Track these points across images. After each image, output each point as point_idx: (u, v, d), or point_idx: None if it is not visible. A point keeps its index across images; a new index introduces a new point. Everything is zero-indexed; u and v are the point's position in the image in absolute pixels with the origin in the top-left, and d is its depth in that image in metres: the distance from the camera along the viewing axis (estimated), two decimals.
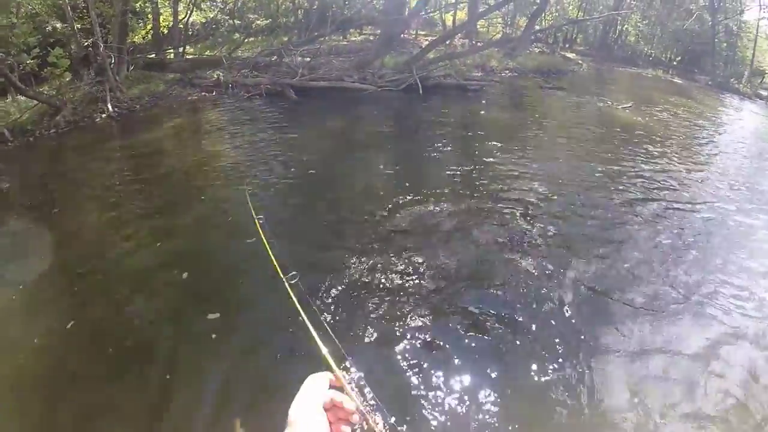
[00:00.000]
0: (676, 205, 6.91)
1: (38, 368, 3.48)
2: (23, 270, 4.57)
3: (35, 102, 9.68)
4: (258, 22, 15.82)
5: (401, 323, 3.79)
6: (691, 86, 25.11)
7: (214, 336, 3.62)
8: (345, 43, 15.85)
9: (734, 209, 7.15)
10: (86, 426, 3.06)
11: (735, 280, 4.90)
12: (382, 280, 4.32)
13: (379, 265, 4.54)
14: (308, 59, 12.63)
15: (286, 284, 1.71)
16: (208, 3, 17.07)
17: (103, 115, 9.52)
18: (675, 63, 30.26)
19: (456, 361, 3.45)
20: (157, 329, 3.79)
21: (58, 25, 11.10)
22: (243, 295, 4.15)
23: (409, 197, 6.02)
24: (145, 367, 3.42)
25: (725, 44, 31.59)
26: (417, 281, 4.34)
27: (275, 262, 2.27)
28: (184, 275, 4.39)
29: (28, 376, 3.42)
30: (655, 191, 7.45)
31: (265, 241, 2.60)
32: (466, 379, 3.30)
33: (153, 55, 13.17)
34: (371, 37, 16.07)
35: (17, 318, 4.01)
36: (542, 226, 5.63)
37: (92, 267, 4.65)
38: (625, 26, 28.55)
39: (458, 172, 7.14)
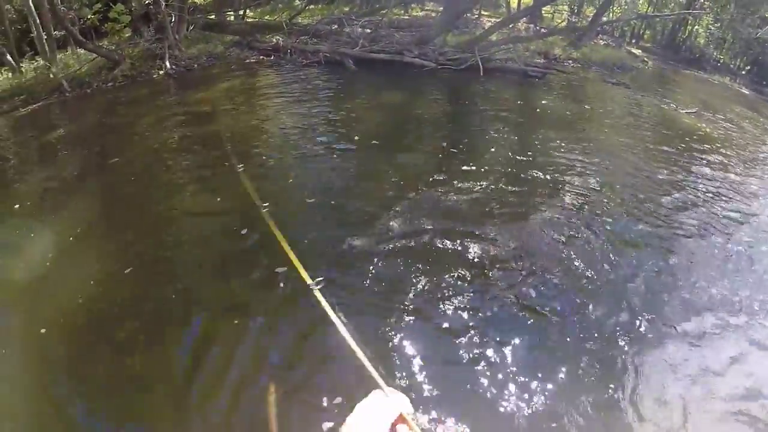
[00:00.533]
0: (728, 216, 6.47)
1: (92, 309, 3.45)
2: (80, 214, 4.57)
3: (94, 55, 9.72)
4: None
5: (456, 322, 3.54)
6: (758, 99, 23.68)
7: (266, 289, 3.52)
8: (406, 17, 15.43)
9: None
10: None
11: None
12: (432, 265, 4.06)
13: (429, 247, 4.32)
14: (369, 31, 12.30)
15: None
16: None
17: (161, 72, 9.48)
18: (744, 72, 28.71)
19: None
20: (203, 281, 3.76)
21: None
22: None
23: (460, 179, 5.74)
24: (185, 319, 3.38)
25: None
26: (467, 269, 4.06)
27: None
28: (244, 231, 4.30)
29: (81, 316, 3.40)
30: (710, 200, 6.98)
31: None
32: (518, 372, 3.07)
33: (213, 16, 13.07)
34: (433, 14, 15.60)
35: (76, 259, 3.98)
36: (591, 219, 5.33)
37: (142, 215, 4.64)
38: (696, 27, 27.18)
39: (513, 159, 6.78)
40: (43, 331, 3.24)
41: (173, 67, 9.65)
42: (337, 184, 5.47)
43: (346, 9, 14.80)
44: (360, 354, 2.02)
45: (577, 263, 4.40)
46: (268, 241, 3.93)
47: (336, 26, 12.17)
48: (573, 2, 21.34)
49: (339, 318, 2.76)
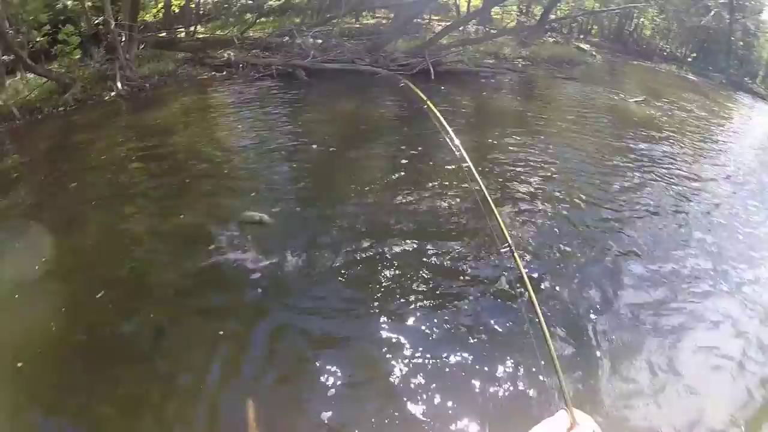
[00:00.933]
0: (678, 194, 7.12)
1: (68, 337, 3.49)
2: (43, 241, 4.55)
3: (44, 79, 9.60)
4: (270, 2, 15.63)
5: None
6: (704, 84, 24.71)
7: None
8: (358, 25, 15.65)
9: (736, 201, 7.45)
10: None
11: (736, 264, 5.19)
12: (378, 270, 4.30)
13: (380, 254, 4.53)
14: (320, 41, 12.47)
15: None
16: None
17: (113, 94, 9.43)
18: (690, 59, 29.76)
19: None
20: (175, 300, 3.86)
21: (69, 3, 10.97)
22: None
23: (415, 184, 6.01)
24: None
25: (741, 43, 31.07)
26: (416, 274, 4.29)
27: None
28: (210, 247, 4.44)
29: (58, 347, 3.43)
30: (660, 180, 7.59)
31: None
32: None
33: (164, 34, 13.04)
34: (384, 21, 15.84)
35: (45, 288, 3.98)
36: (551, 209, 5.71)
37: (107, 239, 4.71)
38: (642, 19, 28.12)
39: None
40: (20, 365, 3.20)
41: (125, 87, 9.61)
42: (300, 194, 5.69)
43: (297, 20, 14.91)
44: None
45: (541, 250, 4.82)
46: (238, 256, 4.12)
47: (287, 38, 12.26)
48: (521, 2, 21.82)
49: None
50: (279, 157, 6.72)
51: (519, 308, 3.68)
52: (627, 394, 3.23)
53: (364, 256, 4.43)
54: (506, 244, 2.32)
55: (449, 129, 3.29)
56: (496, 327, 3.67)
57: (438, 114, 3.49)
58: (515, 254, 2.27)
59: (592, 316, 3.93)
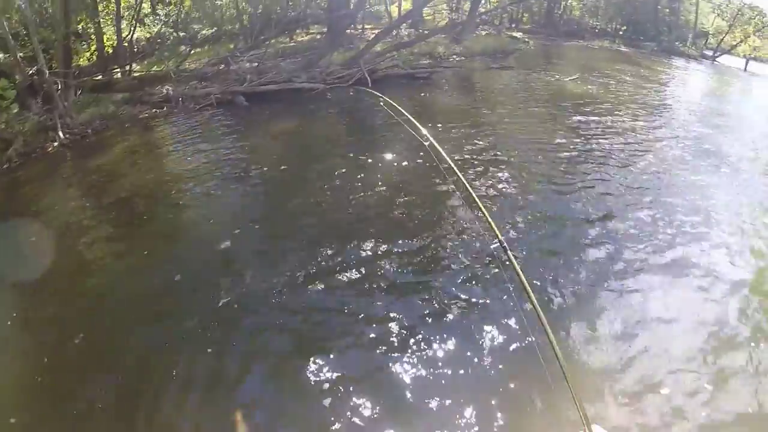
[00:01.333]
0: (622, 160, 7.95)
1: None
2: (6, 300, 4.66)
3: None
4: (203, 32, 15.78)
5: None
6: (637, 54, 25.91)
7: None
8: (292, 44, 15.93)
9: (681, 157, 8.52)
10: None
11: (683, 217, 6.02)
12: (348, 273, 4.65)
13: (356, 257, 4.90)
14: (256, 64, 12.72)
15: None
16: (152, 17, 16.97)
17: (55, 144, 9.43)
18: (621, 33, 30.99)
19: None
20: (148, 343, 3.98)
21: (0, 56, 10.94)
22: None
23: (367, 191, 6.39)
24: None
25: (668, 10, 32.47)
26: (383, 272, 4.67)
27: None
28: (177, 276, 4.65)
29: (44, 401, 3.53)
30: (606, 150, 8.50)
31: None
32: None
33: (100, 77, 13.04)
34: (318, 36, 16.12)
35: (16, 345, 4.11)
36: (506, 197, 6.25)
37: (69, 290, 4.78)
38: (570, 1, 29.08)
39: (418, 159, 7.46)
40: (13, 420, 3.31)
41: (67, 136, 9.63)
42: (255, 217, 5.94)
43: (231, 46, 15.06)
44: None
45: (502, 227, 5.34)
46: (200, 289, 4.41)
47: (223, 66, 12.45)
48: (451, 0, 22.37)
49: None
50: (231, 183, 6.95)
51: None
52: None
53: (328, 263, 4.79)
54: (496, 240, 2.45)
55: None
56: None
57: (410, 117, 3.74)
58: (509, 252, 2.32)
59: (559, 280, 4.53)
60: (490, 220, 2.53)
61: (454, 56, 16.41)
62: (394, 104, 4.42)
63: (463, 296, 4.27)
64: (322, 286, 4.43)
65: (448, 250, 5.00)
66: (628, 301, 4.35)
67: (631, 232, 5.50)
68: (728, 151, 9.05)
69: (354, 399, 3.29)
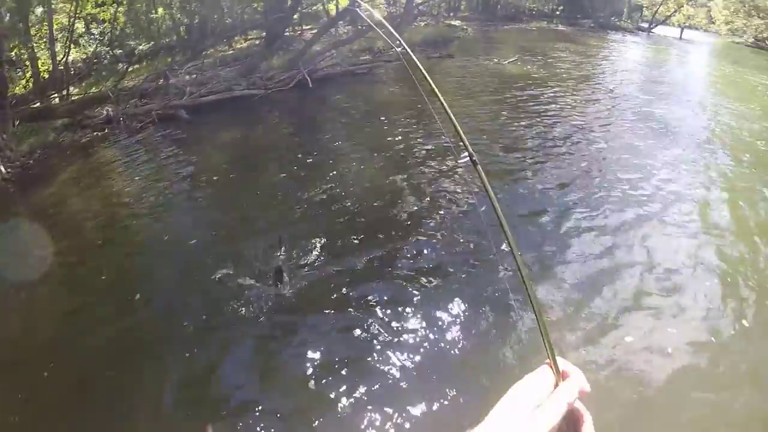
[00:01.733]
0: (567, 135, 8.74)
1: None
2: None
3: None
4: (140, 47, 15.57)
5: None
6: (575, 31, 26.78)
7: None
8: (231, 51, 15.88)
9: (621, 124, 9.53)
10: None
11: (630, 176, 6.93)
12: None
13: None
14: (195, 76, 12.70)
15: None
16: (86, 37, 16.64)
17: None
18: (558, 12, 31.83)
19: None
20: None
21: None
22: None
23: (318, 189, 6.73)
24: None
25: None
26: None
27: None
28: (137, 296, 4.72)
29: None
30: (550, 123, 9.36)
31: None
32: None
33: (37, 104, 12.84)
34: (257, 41, 16.13)
35: None
36: (459, 172, 6.86)
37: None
38: None
39: (370, 154, 7.99)
40: None
41: (9, 170, 9.51)
42: (207, 227, 6.14)
43: (169, 59, 14.93)
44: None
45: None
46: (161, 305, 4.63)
47: (162, 80, 12.37)
48: None
49: None
50: (180, 198, 7.15)
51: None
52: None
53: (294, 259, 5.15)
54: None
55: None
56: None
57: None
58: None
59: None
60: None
61: (393, 49, 16.60)
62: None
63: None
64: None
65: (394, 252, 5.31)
66: (586, 253, 5.10)
67: (582, 195, 6.34)
68: (667, 115, 9.88)
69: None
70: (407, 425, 3.25)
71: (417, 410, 3.34)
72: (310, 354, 3.85)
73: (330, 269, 4.89)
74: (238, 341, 4.12)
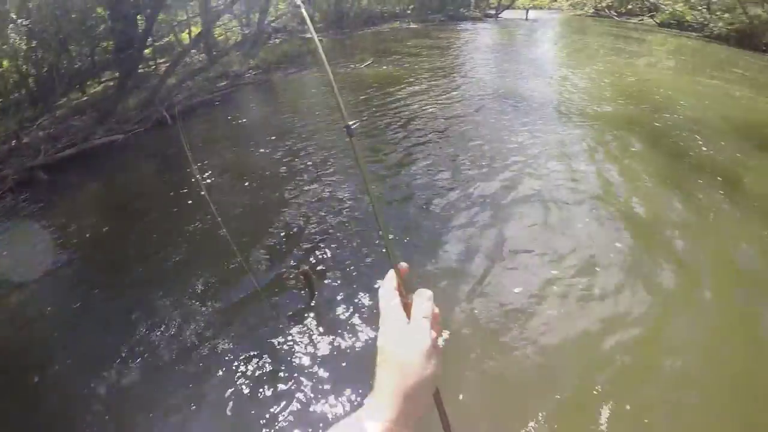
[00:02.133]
0: (436, 117, 10.61)
1: None
2: None
3: None
4: None
5: None
6: (426, 27, 28.76)
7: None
8: (85, 98, 15.57)
9: (481, 105, 11.49)
10: None
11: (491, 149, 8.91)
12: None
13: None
14: (49, 130, 12.40)
15: None
16: None
17: None
18: (409, 12, 33.78)
19: None
20: None
21: None
22: None
23: (197, 224, 7.38)
24: None
25: None
26: None
27: None
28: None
29: None
30: (416, 116, 10.95)
31: None
32: None
33: None
34: (111, 83, 15.97)
35: None
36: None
37: None
38: None
39: (233, 183, 8.74)
40: None
41: None
42: (83, 293, 6.13)
43: (20, 116, 14.39)
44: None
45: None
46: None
47: (14, 141, 11.95)
48: (240, 15, 22.38)
49: None
50: (55, 265, 6.87)
51: None
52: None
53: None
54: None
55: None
56: None
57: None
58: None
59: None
60: None
61: (251, 71, 17.03)
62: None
63: None
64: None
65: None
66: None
67: (450, 174, 8.11)
68: (522, 90, 11.71)
69: None
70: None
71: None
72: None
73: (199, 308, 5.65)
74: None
